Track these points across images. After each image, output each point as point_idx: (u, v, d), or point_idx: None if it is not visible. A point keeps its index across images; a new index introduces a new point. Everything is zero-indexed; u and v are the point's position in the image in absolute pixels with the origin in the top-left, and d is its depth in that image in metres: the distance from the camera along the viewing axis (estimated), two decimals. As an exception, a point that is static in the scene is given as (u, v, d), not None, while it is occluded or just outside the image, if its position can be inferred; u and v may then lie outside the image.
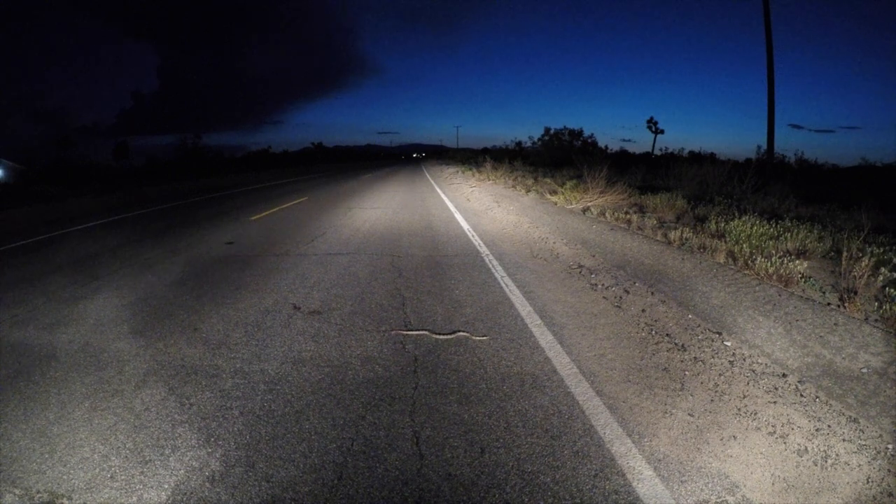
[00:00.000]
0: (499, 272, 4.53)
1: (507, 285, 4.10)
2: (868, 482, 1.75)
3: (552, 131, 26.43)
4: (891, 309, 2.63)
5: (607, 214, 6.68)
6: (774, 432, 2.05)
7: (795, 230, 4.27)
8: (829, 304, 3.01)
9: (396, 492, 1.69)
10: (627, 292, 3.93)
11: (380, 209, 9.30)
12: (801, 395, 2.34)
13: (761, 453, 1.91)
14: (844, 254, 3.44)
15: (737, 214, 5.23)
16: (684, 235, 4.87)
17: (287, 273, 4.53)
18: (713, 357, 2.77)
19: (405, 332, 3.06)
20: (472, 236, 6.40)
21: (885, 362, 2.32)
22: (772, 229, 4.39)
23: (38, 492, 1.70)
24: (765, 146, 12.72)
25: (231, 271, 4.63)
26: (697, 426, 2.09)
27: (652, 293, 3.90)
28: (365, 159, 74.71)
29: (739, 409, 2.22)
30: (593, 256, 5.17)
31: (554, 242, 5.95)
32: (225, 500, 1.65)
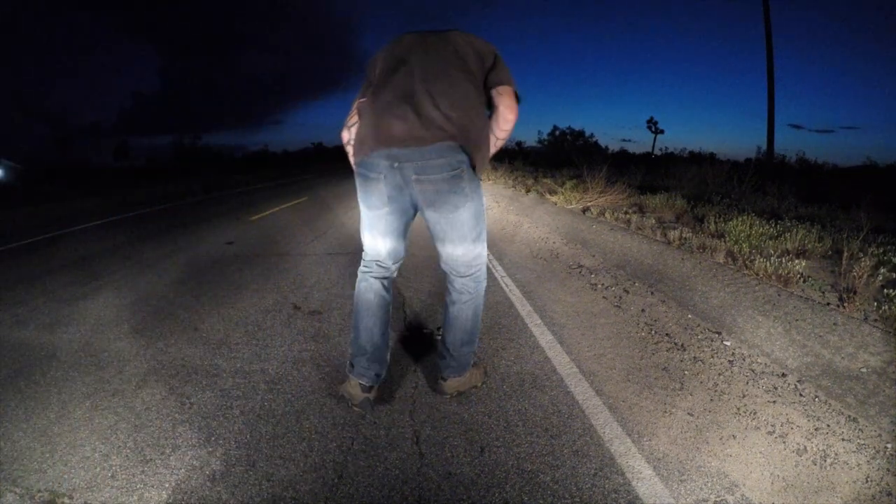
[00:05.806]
0: (498, 272, 4.53)
1: (506, 285, 4.10)
2: (867, 481, 1.76)
3: (557, 132, 26.60)
4: (890, 309, 2.64)
5: (607, 214, 6.68)
6: (774, 432, 2.05)
7: (795, 230, 4.27)
8: (828, 303, 3.01)
9: (396, 490, 1.69)
10: (627, 292, 3.94)
11: (380, 209, 9.29)
12: (801, 395, 2.34)
13: (760, 452, 1.91)
14: (844, 254, 3.44)
15: (736, 214, 5.23)
16: (684, 235, 4.87)
17: (287, 273, 4.53)
18: (713, 357, 2.77)
19: (405, 332, 3.06)
20: (472, 236, 6.39)
21: (884, 362, 2.32)
22: (771, 229, 4.39)
23: (39, 491, 1.70)
24: (765, 146, 12.75)
25: (231, 271, 4.63)
26: (697, 425, 2.10)
27: (651, 293, 3.90)
28: (365, 159, 74.31)
29: (739, 409, 2.23)
30: (593, 256, 5.17)
31: (554, 242, 5.95)
32: (225, 499, 1.65)
